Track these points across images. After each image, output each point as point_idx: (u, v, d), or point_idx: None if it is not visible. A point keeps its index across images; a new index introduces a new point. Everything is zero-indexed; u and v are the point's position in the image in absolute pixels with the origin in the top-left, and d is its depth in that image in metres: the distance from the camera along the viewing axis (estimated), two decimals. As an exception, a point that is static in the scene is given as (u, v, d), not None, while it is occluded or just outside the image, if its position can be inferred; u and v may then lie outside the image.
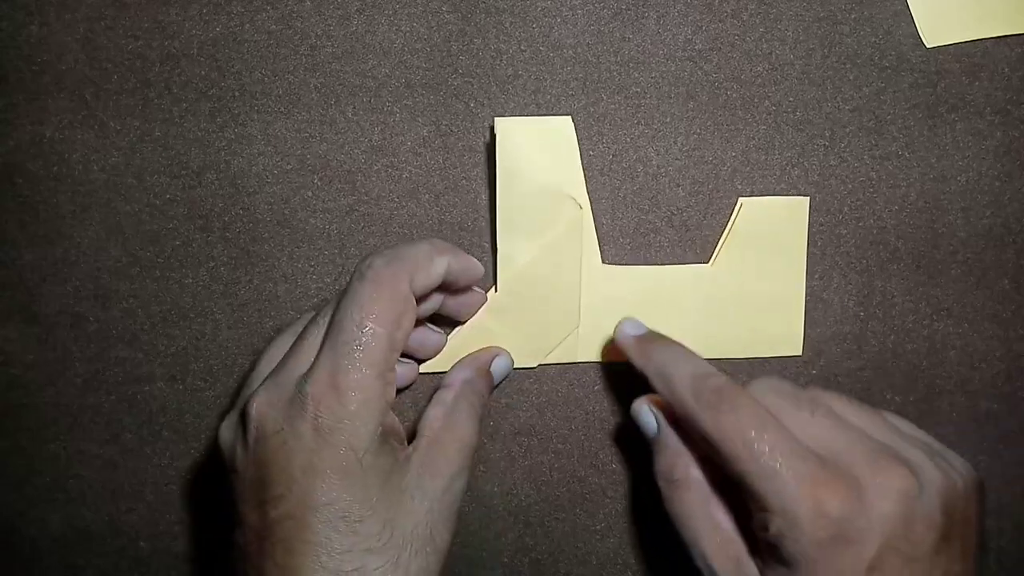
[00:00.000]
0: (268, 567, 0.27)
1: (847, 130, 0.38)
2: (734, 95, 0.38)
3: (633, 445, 0.37)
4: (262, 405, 0.28)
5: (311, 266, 0.37)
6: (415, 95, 0.37)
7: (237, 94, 0.37)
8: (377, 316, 0.28)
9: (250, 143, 0.37)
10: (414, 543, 0.29)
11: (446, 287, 0.33)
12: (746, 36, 0.38)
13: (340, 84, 0.37)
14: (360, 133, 0.37)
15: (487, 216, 0.37)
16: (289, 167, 0.37)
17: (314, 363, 0.28)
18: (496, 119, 0.35)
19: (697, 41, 0.38)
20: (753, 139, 0.38)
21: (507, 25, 0.37)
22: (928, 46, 0.38)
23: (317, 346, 0.29)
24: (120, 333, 0.37)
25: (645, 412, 0.33)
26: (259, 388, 0.29)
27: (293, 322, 0.33)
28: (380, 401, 0.28)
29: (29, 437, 0.37)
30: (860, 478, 0.27)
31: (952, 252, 0.38)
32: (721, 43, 0.38)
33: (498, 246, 0.36)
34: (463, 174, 0.37)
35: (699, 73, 0.38)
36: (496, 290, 0.36)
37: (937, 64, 0.38)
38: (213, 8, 0.37)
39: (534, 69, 0.37)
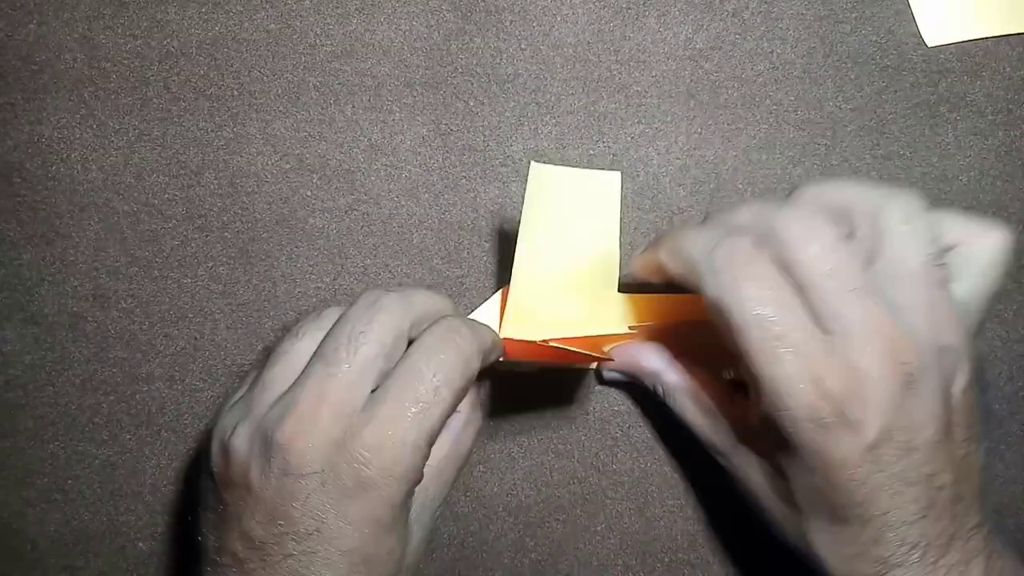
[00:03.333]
0: None
1: (848, 129, 0.38)
2: (735, 94, 0.38)
3: (634, 446, 0.37)
4: (298, 439, 0.27)
5: (310, 265, 0.37)
6: (414, 94, 0.37)
7: (236, 93, 0.37)
8: (451, 382, 0.28)
9: (249, 142, 0.37)
10: (406, 568, 0.30)
11: None
12: (747, 35, 0.38)
13: (339, 83, 0.37)
14: (359, 132, 0.37)
15: (487, 216, 0.37)
16: (288, 166, 0.37)
17: (373, 407, 0.27)
18: (532, 163, 0.31)
19: (698, 40, 0.38)
20: (754, 138, 0.38)
21: (507, 24, 0.37)
22: (929, 45, 0.38)
23: (361, 376, 0.28)
24: (119, 333, 0.37)
25: (610, 374, 0.36)
26: (288, 414, 0.27)
27: (316, 318, 0.30)
28: (425, 459, 0.28)
29: (28, 437, 0.36)
30: (862, 368, 0.26)
31: (954, 252, 0.38)
32: (722, 42, 0.38)
33: (512, 285, 0.33)
34: (463, 173, 0.37)
35: (700, 72, 0.38)
36: (506, 310, 0.34)
37: (938, 63, 0.38)
38: (212, 7, 0.37)
39: (534, 68, 0.37)
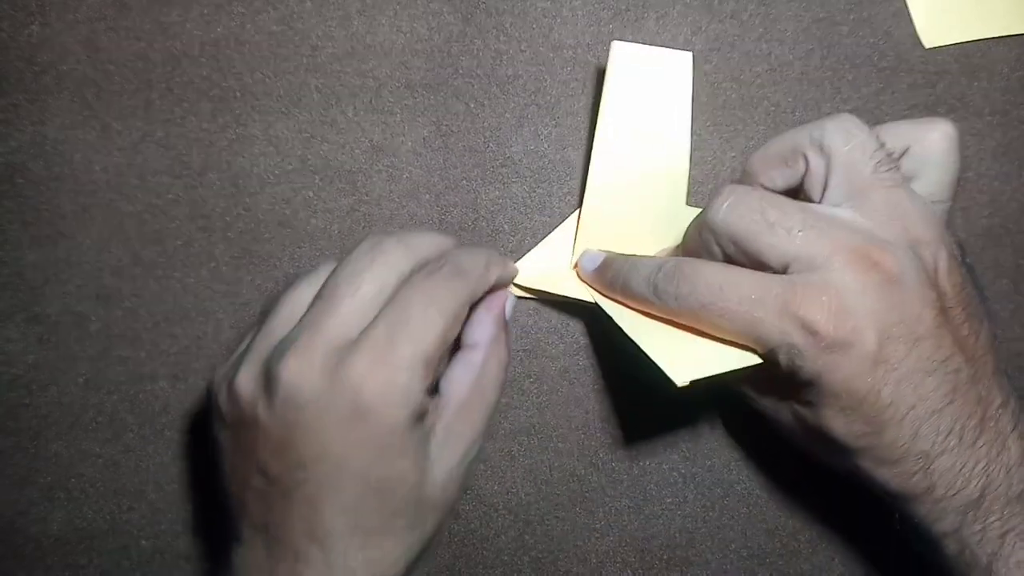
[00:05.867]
0: (294, 518, 0.28)
1: (846, 130, 0.38)
2: (733, 95, 0.38)
3: (633, 444, 0.37)
4: (296, 372, 0.28)
5: (312, 266, 0.37)
6: (416, 95, 0.37)
7: (239, 94, 0.37)
8: (442, 307, 0.29)
9: (251, 143, 0.37)
10: (434, 505, 0.30)
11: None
12: (745, 37, 0.38)
13: (341, 84, 0.37)
14: (361, 133, 0.37)
15: (487, 217, 0.37)
16: (290, 167, 0.37)
17: (365, 334, 0.28)
18: (614, 42, 0.35)
19: (696, 41, 0.38)
20: (752, 139, 0.38)
21: (507, 26, 0.37)
22: (927, 46, 0.38)
23: (360, 312, 0.29)
24: (122, 333, 0.37)
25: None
26: (289, 350, 0.28)
27: (312, 271, 0.32)
28: (423, 383, 0.28)
29: (31, 436, 0.37)
30: (833, 285, 0.28)
31: (951, 252, 0.38)
32: (720, 43, 0.38)
33: (591, 170, 0.35)
34: (464, 174, 0.37)
35: (698, 73, 0.38)
36: (580, 215, 0.36)
37: (936, 64, 0.38)
38: (214, 9, 0.37)
39: (534, 70, 0.38)
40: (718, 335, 0.30)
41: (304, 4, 0.37)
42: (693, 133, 0.38)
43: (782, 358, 0.29)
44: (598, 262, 0.35)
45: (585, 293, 0.36)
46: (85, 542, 0.37)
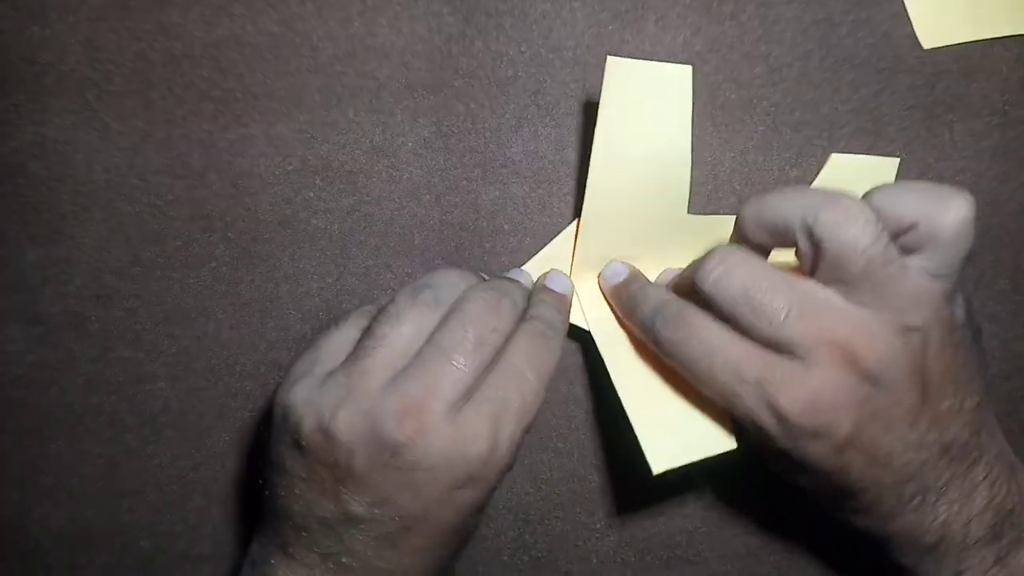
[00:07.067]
0: (370, 555, 0.29)
1: (845, 131, 0.38)
2: (732, 96, 0.38)
3: (634, 444, 0.37)
4: (414, 438, 0.27)
5: (313, 266, 0.37)
6: (416, 96, 0.37)
7: (239, 95, 0.37)
8: (544, 376, 0.30)
9: (252, 144, 0.37)
10: None
11: None
12: (744, 38, 0.38)
13: (342, 85, 0.37)
14: (361, 134, 0.37)
15: (488, 217, 0.37)
16: (291, 168, 0.37)
17: (482, 407, 0.28)
18: (609, 58, 0.33)
19: (696, 43, 0.38)
20: (751, 140, 0.38)
21: (507, 27, 0.38)
22: (925, 47, 0.39)
23: (473, 372, 0.29)
24: (122, 333, 0.37)
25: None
26: (407, 413, 0.28)
27: (407, 307, 0.30)
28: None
29: (32, 437, 0.37)
30: (810, 378, 0.28)
31: (950, 252, 0.38)
32: (719, 45, 0.38)
33: (588, 185, 0.34)
34: (464, 175, 0.37)
35: (697, 75, 0.38)
36: (578, 228, 0.36)
37: (935, 65, 0.39)
38: (215, 10, 0.37)
39: (534, 71, 0.38)
40: (701, 389, 0.31)
41: (305, 5, 0.37)
42: (692, 134, 0.38)
43: (753, 431, 0.29)
44: (621, 277, 0.35)
45: (580, 319, 0.36)
46: (85, 542, 0.37)
